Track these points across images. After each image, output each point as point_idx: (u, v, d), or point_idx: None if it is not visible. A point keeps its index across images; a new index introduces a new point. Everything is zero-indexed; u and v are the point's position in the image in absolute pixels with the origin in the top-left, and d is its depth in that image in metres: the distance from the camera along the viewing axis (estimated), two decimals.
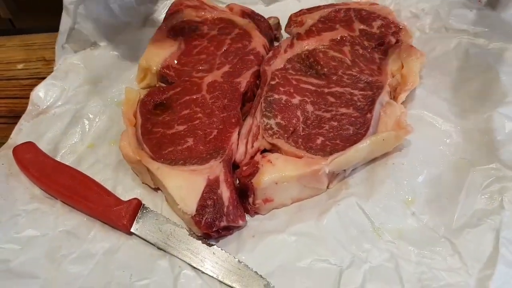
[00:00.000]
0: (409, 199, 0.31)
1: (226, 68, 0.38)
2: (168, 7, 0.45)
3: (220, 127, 0.34)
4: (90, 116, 0.40)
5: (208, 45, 0.41)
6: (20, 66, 0.48)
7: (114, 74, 0.43)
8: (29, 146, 0.37)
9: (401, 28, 0.40)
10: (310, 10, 0.44)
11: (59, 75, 0.43)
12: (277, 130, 0.34)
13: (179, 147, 0.33)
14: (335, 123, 0.33)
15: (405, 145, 0.34)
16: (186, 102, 0.36)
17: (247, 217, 0.32)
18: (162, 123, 0.35)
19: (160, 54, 0.40)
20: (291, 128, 0.34)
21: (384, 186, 0.32)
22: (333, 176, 0.32)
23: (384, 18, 0.40)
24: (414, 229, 0.30)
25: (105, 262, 0.30)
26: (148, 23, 0.47)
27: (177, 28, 0.42)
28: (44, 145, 0.37)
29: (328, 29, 0.41)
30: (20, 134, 0.39)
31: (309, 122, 0.35)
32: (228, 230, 0.30)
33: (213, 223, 0.29)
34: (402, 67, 0.36)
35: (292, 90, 0.36)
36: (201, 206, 0.29)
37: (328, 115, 0.34)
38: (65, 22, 0.44)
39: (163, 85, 0.39)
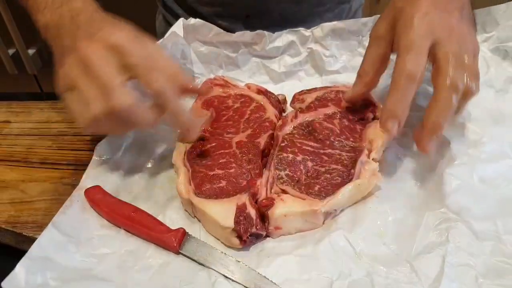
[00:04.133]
0: (382, 233, 0.42)
1: (248, 131, 0.51)
2: (201, 83, 0.58)
3: (248, 178, 0.45)
4: (142, 166, 0.51)
5: (233, 114, 0.54)
6: None
7: (158, 136, 0.54)
8: (97, 189, 0.48)
9: (376, 106, 0.52)
10: (309, 91, 0.55)
11: (117, 135, 0.55)
12: (286, 180, 0.45)
13: (214, 186, 0.45)
14: (328, 175, 0.45)
15: (379, 195, 0.46)
16: (222, 154, 0.48)
17: (264, 242, 0.43)
18: (204, 167, 0.47)
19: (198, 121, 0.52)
20: (296, 178, 0.45)
21: (364, 223, 0.43)
22: (327, 215, 0.44)
23: (365, 98, 0.52)
24: (385, 254, 0.40)
25: (161, 272, 0.41)
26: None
27: (208, 102, 0.55)
28: (107, 187, 0.48)
29: (323, 106, 0.53)
30: (88, 178, 0.49)
31: (309, 174, 0.46)
32: (256, 237, 0.42)
33: (246, 230, 0.41)
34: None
35: (296, 150, 0.48)
36: (237, 221, 0.41)
37: (323, 169, 0.46)
38: None
39: (201, 141, 0.51)
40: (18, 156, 0.56)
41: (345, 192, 0.43)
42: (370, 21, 0.60)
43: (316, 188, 0.44)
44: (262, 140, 0.50)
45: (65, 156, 0.55)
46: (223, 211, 0.42)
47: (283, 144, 0.49)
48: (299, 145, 0.49)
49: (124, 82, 0.41)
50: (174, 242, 0.42)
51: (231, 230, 0.41)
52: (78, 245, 0.42)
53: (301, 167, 0.47)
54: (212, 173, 0.46)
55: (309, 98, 0.54)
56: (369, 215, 0.44)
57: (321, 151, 0.48)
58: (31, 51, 1.55)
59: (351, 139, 0.49)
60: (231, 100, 0.55)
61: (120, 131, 0.45)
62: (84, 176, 0.50)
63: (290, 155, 0.48)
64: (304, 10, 0.72)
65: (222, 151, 0.49)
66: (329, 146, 0.48)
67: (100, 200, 0.47)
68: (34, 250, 0.40)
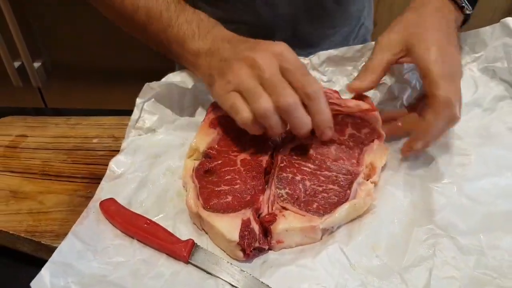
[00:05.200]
0: (375, 246, 0.46)
1: (252, 150, 0.54)
2: (207, 107, 0.62)
3: (252, 193, 0.49)
4: (153, 181, 0.54)
5: (238, 134, 0.57)
6: (95, 140, 0.62)
7: (169, 152, 0.58)
8: (111, 201, 0.51)
9: (381, 136, 0.53)
10: None
11: (129, 152, 0.57)
12: (286, 197, 0.49)
13: (221, 201, 0.48)
14: (326, 195, 0.48)
15: (373, 212, 0.50)
16: (227, 171, 0.51)
17: (266, 255, 0.47)
18: (211, 183, 0.50)
19: (205, 140, 0.55)
20: (295, 196, 0.49)
21: (359, 237, 0.46)
22: (324, 231, 0.47)
23: (372, 127, 0.54)
24: (378, 266, 0.44)
25: (172, 280, 0.44)
26: (193, 117, 0.63)
27: (215, 122, 0.59)
28: (120, 200, 0.51)
29: None
30: (102, 191, 0.53)
31: (307, 192, 0.49)
32: (259, 251, 0.45)
33: (250, 244, 0.44)
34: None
35: (295, 171, 0.51)
36: (241, 235, 0.44)
37: (320, 189, 0.49)
38: (135, 114, 0.59)
39: (208, 159, 0.55)
40: (35, 169, 0.59)
41: (342, 211, 0.47)
42: (363, 48, 0.64)
43: (314, 206, 0.47)
44: (265, 159, 0.54)
45: (80, 170, 0.59)
46: (229, 225, 0.46)
47: (282, 165, 0.52)
48: (297, 165, 0.52)
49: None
50: (184, 252, 0.45)
51: (236, 243, 0.45)
52: (95, 253, 0.46)
53: (300, 186, 0.50)
54: (218, 189, 0.50)
55: None
56: (363, 230, 0.47)
57: (318, 172, 0.51)
58: (36, 64, 1.59)
59: (348, 163, 0.52)
60: None
61: (277, 130, 0.49)
62: (98, 189, 0.53)
63: (290, 175, 0.51)
64: (317, 32, 0.77)
65: (228, 168, 0.53)
66: (326, 169, 0.51)
67: (114, 212, 0.50)
68: (56, 256, 0.43)
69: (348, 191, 0.49)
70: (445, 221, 0.46)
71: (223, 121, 0.59)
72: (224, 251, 0.47)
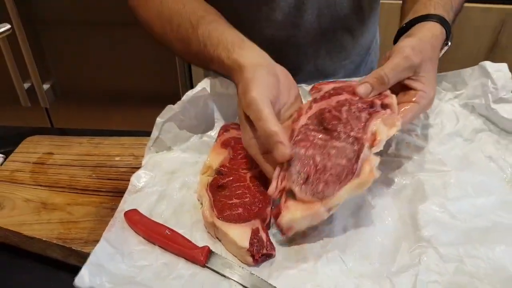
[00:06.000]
0: (368, 255, 0.52)
1: (259, 168, 0.61)
2: (219, 127, 0.69)
3: (259, 205, 0.56)
4: (171, 194, 0.61)
5: (247, 153, 0.64)
6: (117, 158, 0.69)
7: (184, 169, 0.65)
8: (135, 211, 0.58)
9: (387, 96, 0.56)
10: (328, 82, 0.60)
11: (148, 167, 0.63)
12: (296, 177, 0.51)
13: (233, 212, 0.55)
14: (334, 170, 0.50)
15: (368, 223, 0.56)
16: (238, 186, 0.58)
17: (273, 260, 0.53)
18: (224, 196, 0.57)
19: (218, 158, 0.62)
20: (306, 175, 0.49)
21: (355, 245, 0.53)
22: (330, 209, 0.49)
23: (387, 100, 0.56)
24: (370, 271, 0.50)
25: (190, 280, 0.50)
26: (205, 137, 0.69)
27: (226, 142, 0.66)
28: (142, 211, 0.57)
29: (336, 94, 0.57)
30: (125, 203, 0.59)
31: (318, 168, 0.51)
32: (266, 257, 0.52)
33: (258, 251, 0.51)
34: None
35: (308, 145, 0.53)
36: (251, 242, 0.51)
37: (329, 163, 0.51)
38: (154, 133, 0.66)
39: (221, 175, 0.61)
40: (63, 183, 0.66)
41: (344, 192, 0.49)
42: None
43: (320, 187, 0.49)
44: None
45: (104, 185, 0.65)
46: (240, 234, 0.52)
47: (297, 138, 0.53)
48: (311, 138, 0.52)
49: None
50: (201, 256, 0.52)
51: (246, 250, 0.51)
52: (123, 257, 0.52)
53: (311, 162, 0.50)
54: (230, 201, 0.57)
55: (326, 88, 0.59)
56: (359, 239, 0.54)
57: (329, 143, 0.52)
58: (45, 86, 1.65)
59: (355, 130, 0.52)
60: None
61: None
62: (122, 201, 0.60)
63: (303, 150, 0.52)
64: (336, 65, 0.86)
65: (238, 184, 0.59)
66: (336, 138, 0.52)
67: (137, 221, 0.56)
68: (92, 258, 0.49)
69: (355, 166, 0.49)
70: (429, 235, 0.53)
71: (233, 142, 0.66)
72: (236, 257, 0.53)
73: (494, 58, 1.65)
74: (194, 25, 0.62)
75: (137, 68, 1.62)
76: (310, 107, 0.57)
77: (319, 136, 0.53)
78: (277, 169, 0.54)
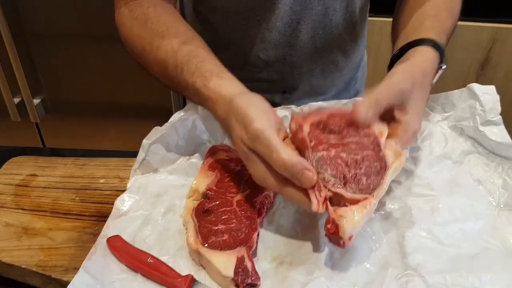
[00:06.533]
0: (355, 281, 0.51)
1: (247, 191, 0.60)
2: (207, 149, 0.68)
3: (246, 231, 0.55)
4: (156, 219, 0.59)
5: (234, 176, 0.63)
6: (101, 180, 0.68)
7: (170, 192, 0.63)
8: (117, 238, 0.56)
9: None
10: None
11: (133, 190, 0.62)
12: (334, 180, 0.49)
13: (218, 239, 0.54)
14: (367, 163, 0.49)
15: (354, 250, 0.55)
16: (225, 211, 0.57)
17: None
18: (210, 222, 0.56)
19: (205, 181, 0.61)
20: (341, 175, 0.47)
21: (341, 272, 0.52)
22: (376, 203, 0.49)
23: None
24: None
25: None
26: (193, 158, 0.69)
27: (214, 165, 0.65)
28: (125, 237, 0.56)
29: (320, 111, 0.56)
30: (108, 229, 0.58)
31: (349, 164, 0.50)
32: (251, 286, 0.50)
33: (243, 281, 0.49)
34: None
35: (326, 146, 0.51)
36: (236, 272, 0.50)
37: (359, 157, 0.50)
38: (140, 155, 0.65)
39: (207, 199, 0.60)
40: (45, 207, 0.64)
41: (388, 179, 0.49)
42: (349, 102, 0.72)
43: (364, 182, 0.48)
44: (258, 200, 0.59)
45: (88, 208, 0.64)
46: (225, 262, 0.51)
47: (312, 144, 0.50)
48: (325, 141, 0.51)
49: None
50: (184, 286, 0.51)
51: (231, 279, 0.50)
52: (104, 287, 0.51)
53: (339, 161, 0.49)
54: (216, 227, 0.56)
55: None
56: (345, 265, 0.53)
57: (345, 140, 0.50)
58: (36, 100, 1.64)
59: (360, 129, 0.52)
60: (233, 163, 0.65)
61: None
62: (105, 226, 0.59)
63: (324, 153, 0.49)
64: (329, 83, 0.87)
65: (225, 208, 0.58)
66: (348, 136, 0.51)
67: (120, 248, 0.55)
68: None
69: (381, 153, 0.49)
70: (416, 262, 0.52)
71: (221, 164, 0.65)
72: (220, 286, 0.52)
73: (485, 75, 1.68)
74: (175, 49, 0.61)
75: (130, 83, 1.61)
76: (304, 118, 0.54)
77: (331, 138, 0.52)
78: None
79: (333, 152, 0.50)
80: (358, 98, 0.72)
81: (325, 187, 0.48)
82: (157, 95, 1.60)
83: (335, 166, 0.49)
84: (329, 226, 0.47)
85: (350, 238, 0.48)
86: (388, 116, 0.58)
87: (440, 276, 0.51)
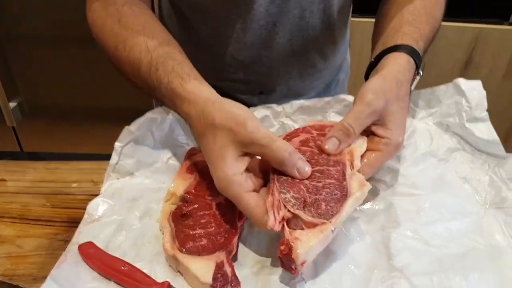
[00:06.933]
0: (338, 286, 0.48)
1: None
2: (185, 152, 0.66)
3: (225, 235, 0.52)
4: (131, 224, 0.57)
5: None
6: (74, 185, 0.65)
7: (146, 196, 0.61)
8: (90, 244, 0.53)
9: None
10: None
11: (107, 195, 0.59)
12: (294, 202, 0.49)
13: (196, 244, 0.51)
14: (328, 190, 0.50)
15: (338, 252, 0.53)
16: (203, 215, 0.54)
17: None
18: (187, 226, 0.53)
19: (183, 184, 0.58)
20: (302, 198, 0.48)
21: (324, 277, 0.49)
22: (334, 229, 0.48)
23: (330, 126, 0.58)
24: None
25: None
26: (170, 161, 0.66)
27: (192, 167, 0.62)
28: (98, 243, 0.53)
29: (295, 136, 0.58)
30: (80, 235, 0.55)
31: (310, 190, 0.50)
32: None
33: (222, 287, 0.47)
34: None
35: None
36: (215, 278, 0.47)
37: (320, 184, 0.50)
38: (113, 158, 0.62)
39: (185, 203, 0.58)
40: (14, 213, 0.61)
41: (348, 207, 0.48)
42: (332, 100, 0.70)
43: (323, 207, 0.48)
44: None
45: (59, 214, 0.61)
46: (203, 268, 0.48)
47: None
48: None
49: None
50: None
51: (209, 286, 0.47)
52: None
53: (301, 186, 0.50)
54: (194, 232, 0.53)
55: (280, 136, 0.59)
56: (328, 269, 0.51)
57: (311, 168, 0.52)
58: (12, 104, 1.60)
59: (331, 155, 0.54)
60: None
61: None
62: (76, 232, 0.55)
63: (289, 177, 0.51)
64: (307, 85, 0.85)
65: (204, 212, 0.56)
66: (316, 164, 0.52)
67: (92, 255, 0.52)
68: None
69: (344, 183, 0.51)
70: (401, 263, 0.50)
71: (200, 166, 0.63)
72: None
73: (468, 75, 1.69)
74: (150, 49, 0.59)
75: (108, 86, 1.58)
76: None
77: None
78: (269, 201, 0.50)
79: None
80: (342, 96, 0.71)
81: (285, 207, 0.48)
82: (136, 98, 1.56)
83: (297, 190, 0.49)
84: (282, 247, 0.46)
85: (303, 263, 0.47)
86: (368, 130, 0.58)
87: (427, 277, 0.49)
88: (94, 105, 1.62)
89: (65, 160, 0.70)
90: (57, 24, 1.46)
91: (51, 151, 1.62)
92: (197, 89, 0.55)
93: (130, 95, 1.52)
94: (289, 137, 0.59)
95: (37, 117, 1.66)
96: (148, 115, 0.64)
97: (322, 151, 0.55)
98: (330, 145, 0.55)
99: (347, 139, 0.55)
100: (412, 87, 0.63)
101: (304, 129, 0.61)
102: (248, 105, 0.68)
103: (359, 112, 0.55)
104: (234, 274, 0.49)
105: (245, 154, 0.51)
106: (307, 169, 0.51)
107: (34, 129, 1.68)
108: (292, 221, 0.49)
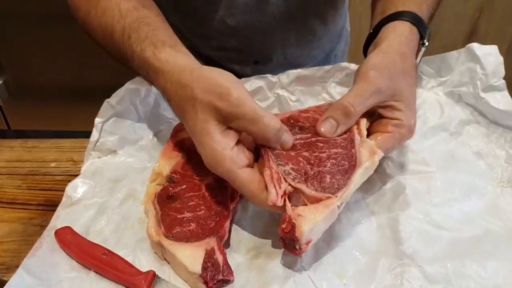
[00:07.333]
0: (342, 274, 0.44)
1: (217, 175, 0.53)
2: (172, 128, 0.60)
3: (216, 219, 0.47)
4: (113, 207, 0.52)
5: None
6: (53, 164, 0.60)
7: (130, 176, 0.56)
8: (67, 230, 0.49)
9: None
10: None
11: (87, 175, 0.55)
12: (295, 175, 0.44)
13: (184, 229, 0.46)
14: (334, 161, 0.44)
15: (341, 238, 0.48)
16: (192, 196, 0.49)
17: (232, 285, 0.45)
18: (174, 209, 0.48)
19: (169, 163, 0.53)
20: (302, 170, 0.44)
21: (326, 265, 0.45)
22: (341, 206, 0.43)
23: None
24: None
25: None
26: (156, 138, 0.60)
27: (179, 144, 0.57)
28: (77, 228, 0.48)
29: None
30: (58, 219, 0.50)
31: (312, 162, 0.45)
32: (223, 282, 0.43)
33: (213, 277, 0.42)
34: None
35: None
36: (204, 267, 0.42)
37: (324, 155, 0.45)
38: (94, 135, 0.56)
39: (172, 183, 0.52)
40: None
41: (356, 179, 0.44)
42: (332, 68, 0.64)
43: (328, 180, 0.43)
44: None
45: (35, 196, 0.56)
46: (191, 256, 0.44)
47: None
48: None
49: None
50: (144, 285, 0.43)
51: (198, 276, 0.43)
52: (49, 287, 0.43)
53: (300, 158, 0.45)
54: (181, 216, 0.48)
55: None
56: (331, 257, 0.46)
57: (313, 139, 0.47)
58: None
59: None
60: None
61: None
62: (54, 216, 0.51)
63: (283, 151, 0.46)
64: (305, 54, 0.79)
65: (192, 193, 0.51)
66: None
67: (70, 241, 0.47)
68: None
69: (353, 150, 0.45)
70: (411, 249, 0.46)
71: (188, 144, 0.57)
72: (187, 282, 0.45)
73: None
74: (123, 14, 0.52)
75: (96, 64, 1.51)
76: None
77: (297, 137, 0.48)
78: (267, 174, 0.44)
79: (292, 152, 0.46)
80: (343, 64, 0.65)
81: (285, 180, 0.43)
82: (127, 75, 1.50)
83: (296, 162, 0.45)
84: (284, 225, 0.42)
85: (307, 243, 0.42)
86: (372, 112, 0.51)
87: (440, 264, 0.44)
88: (81, 83, 1.57)
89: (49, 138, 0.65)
90: (42, 1, 1.39)
91: (40, 129, 1.57)
92: (171, 57, 0.48)
93: (118, 72, 1.47)
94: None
95: (23, 95, 1.61)
96: (127, 85, 0.58)
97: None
98: (326, 127, 0.48)
99: (347, 121, 0.48)
100: (418, 60, 0.57)
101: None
102: (241, 76, 0.62)
103: (361, 90, 0.49)
104: (226, 263, 0.44)
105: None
106: (291, 142, 0.47)
107: (22, 108, 1.63)
108: (293, 197, 0.44)
